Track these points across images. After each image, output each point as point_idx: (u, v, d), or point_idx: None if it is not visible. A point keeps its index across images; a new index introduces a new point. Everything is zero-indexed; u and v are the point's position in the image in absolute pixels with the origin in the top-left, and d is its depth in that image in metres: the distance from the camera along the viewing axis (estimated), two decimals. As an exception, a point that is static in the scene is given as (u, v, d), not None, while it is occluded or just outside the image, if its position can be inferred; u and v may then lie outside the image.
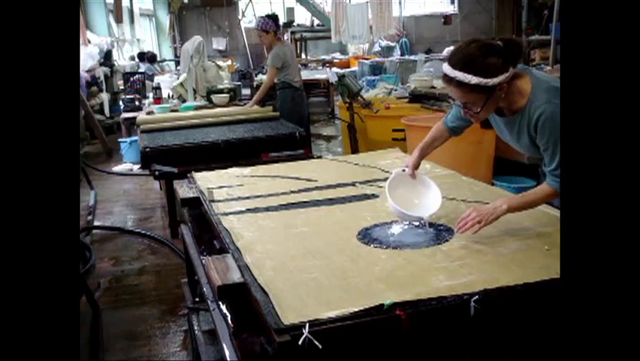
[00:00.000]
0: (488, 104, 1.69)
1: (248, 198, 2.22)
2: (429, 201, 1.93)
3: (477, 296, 1.28)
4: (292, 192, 2.28)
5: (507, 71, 1.64)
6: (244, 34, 15.53)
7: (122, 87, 8.48)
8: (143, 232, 4.49)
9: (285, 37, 5.31)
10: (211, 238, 2.05)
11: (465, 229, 1.68)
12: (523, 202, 1.72)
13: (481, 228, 1.66)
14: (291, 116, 4.89)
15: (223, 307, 1.46)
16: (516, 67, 1.69)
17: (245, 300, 1.43)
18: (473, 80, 1.62)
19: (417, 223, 1.83)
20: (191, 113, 5.08)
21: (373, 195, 2.17)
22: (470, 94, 1.67)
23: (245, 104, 5.80)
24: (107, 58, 9.95)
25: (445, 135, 2.08)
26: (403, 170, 2.01)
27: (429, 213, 1.85)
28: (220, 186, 2.38)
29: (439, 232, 1.76)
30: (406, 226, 1.82)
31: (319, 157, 3.81)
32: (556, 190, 1.66)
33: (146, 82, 7.62)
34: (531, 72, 1.75)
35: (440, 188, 2.19)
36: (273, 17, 5.26)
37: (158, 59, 12.52)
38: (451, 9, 17.01)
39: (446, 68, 1.68)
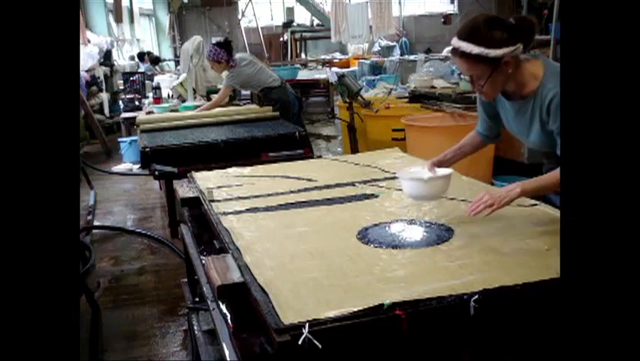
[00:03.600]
0: (493, 78, 1.70)
1: (247, 198, 2.22)
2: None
3: (477, 296, 1.28)
4: (292, 192, 2.28)
5: (513, 45, 1.66)
6: (244, 34, 15.54)
7: (121, 87, 8.48)
8: (143, 231, 4.49)
9: (236, 60, 4.99)
10: (211, 237, 2.05)
11: (477, 212, 1.68)
12: (537, 186, 1.72)
13: (493, 210, 1.66)
14: (285, 112, 4.90)
15: (223, 307, 1.46)
16: (529, 45, 1.71)
17: (245, 300, 1.43)
18: (475, 50, 1.65)
19: (416, 222, 1.83)
20: (190, 112, 5.08)
21: (373, 195, 2.17)
22: (474, 65, 1.69)
23: (245, 104, 5.79)
24: (106, 58, 9.95)
25: (475, 142, 2.10)
26: (423, 168, 2.02)
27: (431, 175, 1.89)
28: (219, 186, 2.38)
29: (439, 231, 1.75)
30: (406, 226, 1.82)
31: (319, 157, 3.81)
32: None
33: (146, 82, 7.61)
34: (544, 58, 1.82)
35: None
36: (225, 45, 4.93)
37: (158, 57, 12.52)
38: (450, 9, 17.01)
39: (453, 40, 1.72)
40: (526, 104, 1.79)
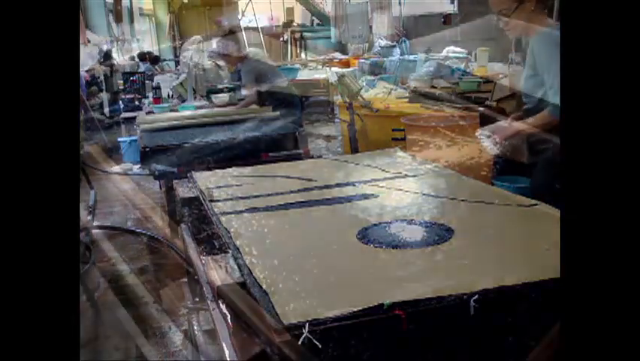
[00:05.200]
0: (518, 13, 2.23)
1: (247, 197, 2.22)
2: None
3: (477, 296, 1.28)
4: (292, 191, 2.27)
5: None
6: (244, 34, 15.53)
7: (121, 87, 8.48)
8: (143, 231, 4.49)
9: (248, 53, 5.00)
10: (211, 237, 2.05)
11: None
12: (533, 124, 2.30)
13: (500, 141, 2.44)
14: (287, 113, 4.91)
15: (223, 307, 1.45)
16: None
17: (245, 300, 1.42)
18: None
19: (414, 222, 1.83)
20: (190, 112, 5.08)
21: (373, 195, 2.17)
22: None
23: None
24: (106, 57, 9.95)
25: None
26: None
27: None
28: (219, 186, 2.38)
29: (439, 231, 1.75)
30: (406, 226, 1.82)
31: (319, 157, 3.81)
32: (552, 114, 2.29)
33: (146, 82, 7.61)
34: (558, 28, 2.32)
35: (440, 188, 2.20)
36: (230, 34, 5.02)
37: (158, 57, 12.52)
38: (450, 9, 16.99)
39: None
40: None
